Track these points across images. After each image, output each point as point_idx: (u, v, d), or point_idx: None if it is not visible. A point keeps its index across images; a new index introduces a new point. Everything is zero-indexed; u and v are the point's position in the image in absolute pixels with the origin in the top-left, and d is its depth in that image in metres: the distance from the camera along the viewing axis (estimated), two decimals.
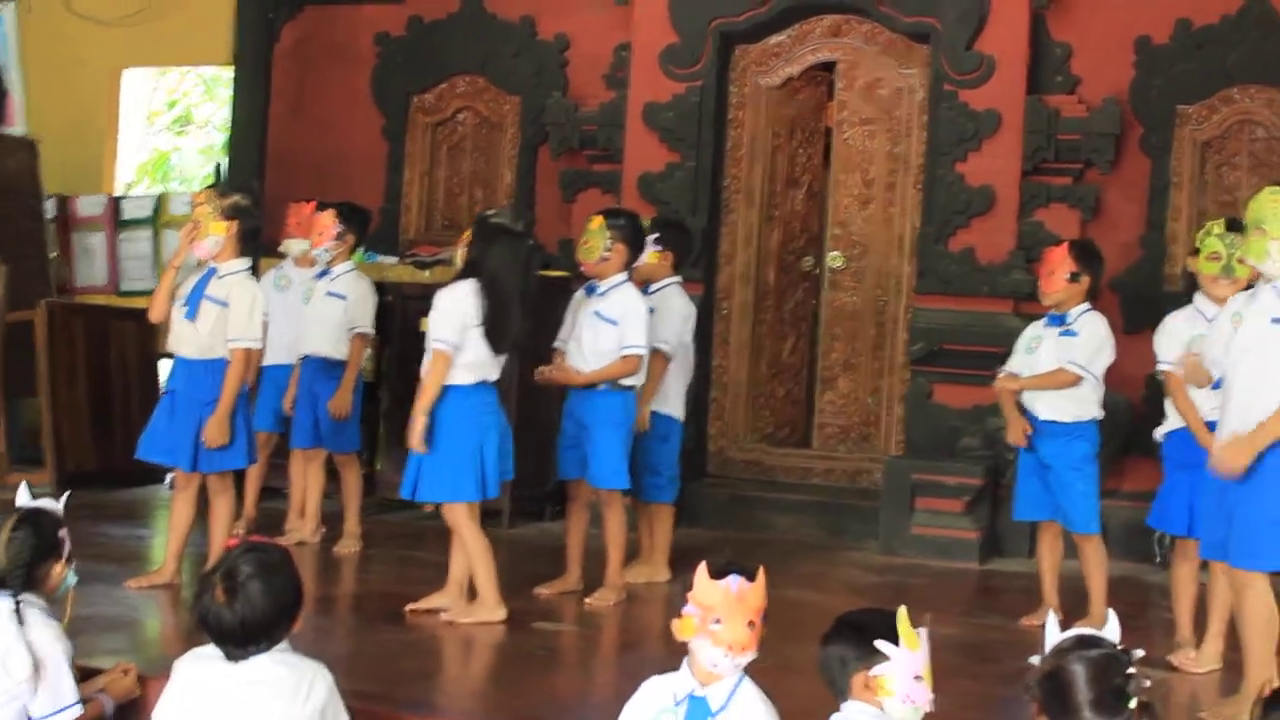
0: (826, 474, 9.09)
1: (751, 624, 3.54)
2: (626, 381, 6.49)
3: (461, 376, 5.85)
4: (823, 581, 7.27)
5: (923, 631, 3.45)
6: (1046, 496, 6.40)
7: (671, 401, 7.03)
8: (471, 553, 5.90)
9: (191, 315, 6.10)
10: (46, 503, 4.41)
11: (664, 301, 6.92)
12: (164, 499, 8.94)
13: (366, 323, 7.45)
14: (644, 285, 6.86)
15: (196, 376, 6.11)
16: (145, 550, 7.43)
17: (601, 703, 4.63)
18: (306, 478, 7.59)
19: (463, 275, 5.92)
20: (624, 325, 6.39)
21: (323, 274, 7.53)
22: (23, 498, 4.42)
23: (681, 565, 6.95)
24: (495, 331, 5.85)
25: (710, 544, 7.32)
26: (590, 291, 6.58)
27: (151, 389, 9.94)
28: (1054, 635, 3.40)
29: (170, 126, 18.54)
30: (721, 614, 3.52)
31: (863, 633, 3.49)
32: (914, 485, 8.17)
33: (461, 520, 5.89)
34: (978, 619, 6.65)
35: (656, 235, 6.98)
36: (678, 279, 7.10)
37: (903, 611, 3.44)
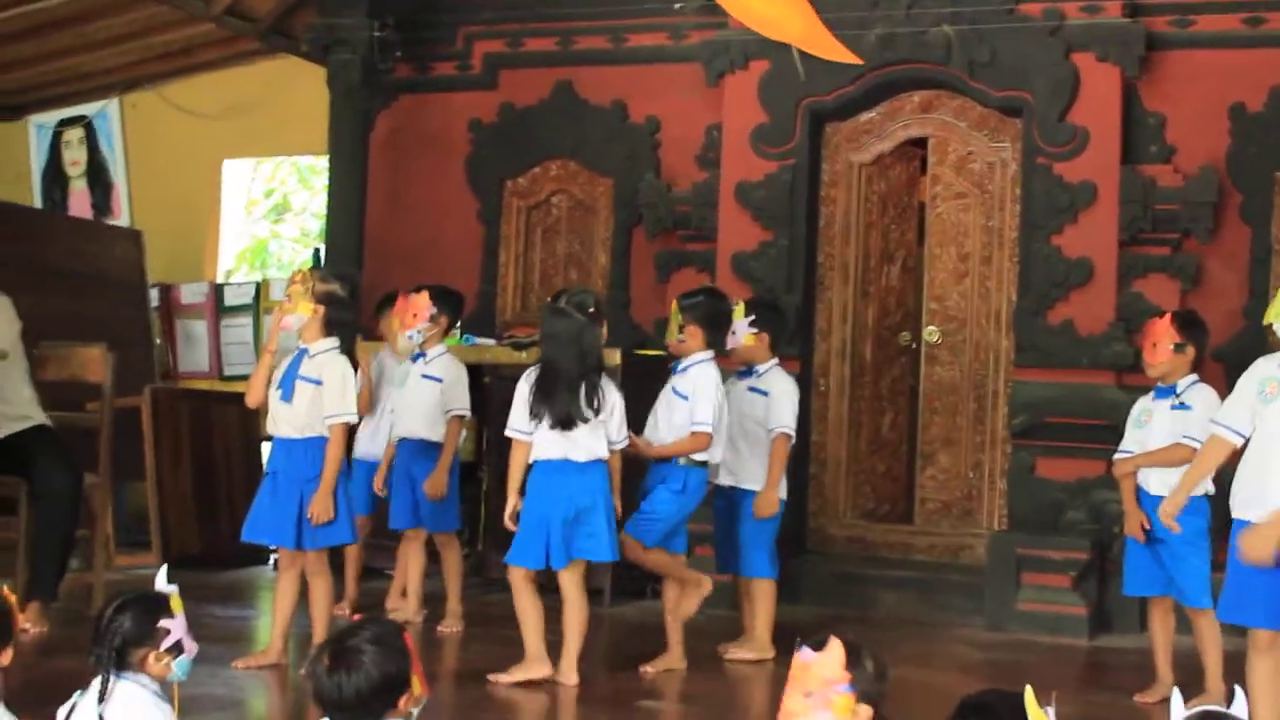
0: (929, 549, 9.01)
1: (809, 694, 3.49)
2: (698, 458, 6.62)
3: (537, 454, 6.17)
4: (930, 659, 7.18)
5: (1050, 711, 3.39)
6: (1159, 571, 6.31)
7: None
8: (520, 613, 6.20)
9: (287, 397, 6.21)
10: (163, 589, 4.44)
11: (775, 384, 7.07)
12: (267, 580, 9.05)
13: (462, 404, 7.52)
14: (747, 368, 7.06)
15: (296, 455, 6.21)
16: (250, 631, 7.49)
17: None
18: (407, 558, 7.64)
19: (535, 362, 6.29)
20: (693, 401, 6.59)
21: (418, 357, 7.61)
22: (160, 582, 4.45)
23: (783, 644, 6.93)
24: (543, 408, 6.12)
25: (811, 621, 7.24)
26: (674, 370, 6.80)
27: (254, 472, 10.05)
28: (1179, 712, 3.34)
29: (267, 215, 18.89)
30: (789, 685, 3.50)
31: (990, 716, 3.43)
32: (1019, 560, 8.08)
33: (516, 581, 6.19)
34: (1091, 696, 6.53)
35: (752, 318, 7.03)
36: (775, 360, 7.16)
37: (1029, 691, 3.39)
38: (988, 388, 9.02)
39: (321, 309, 6.23)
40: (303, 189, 18.80)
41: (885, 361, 9.49)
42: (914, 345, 9.50)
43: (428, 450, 7.48)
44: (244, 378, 9.56)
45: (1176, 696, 3.28)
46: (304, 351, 6.27)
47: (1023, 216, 8.78)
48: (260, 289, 10.18)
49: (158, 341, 10.11)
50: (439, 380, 7.50)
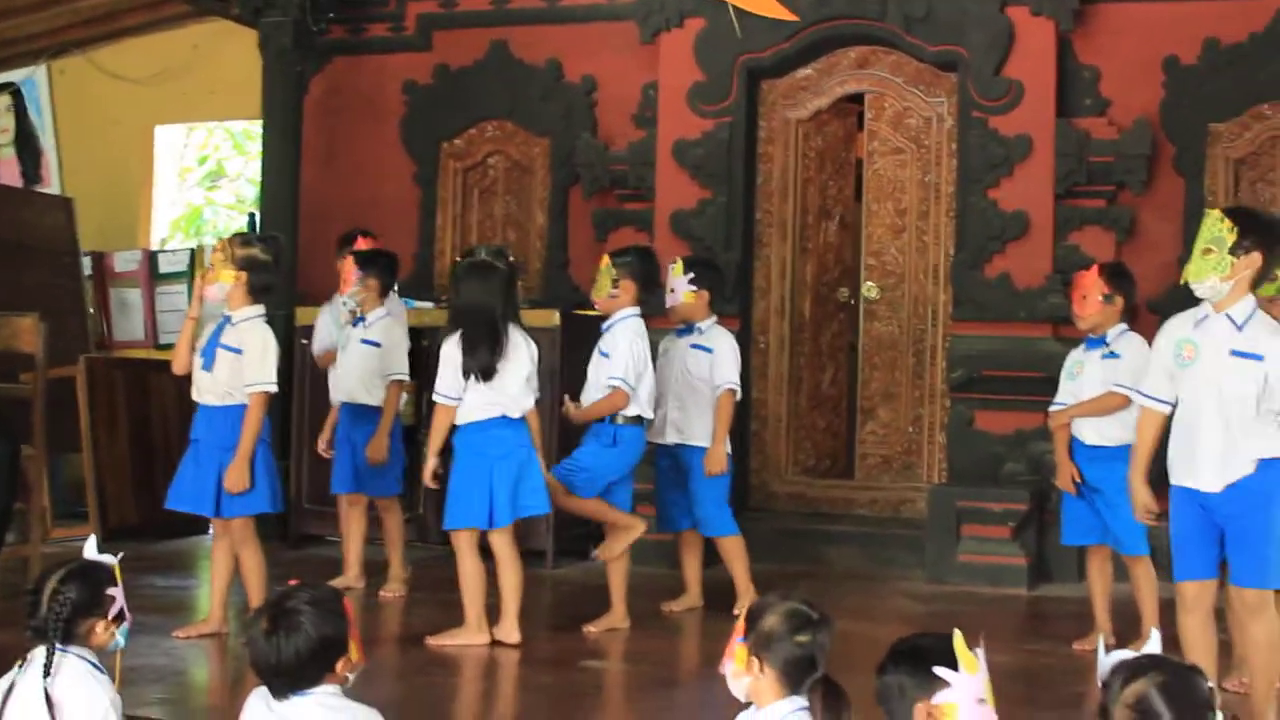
0: (870, 504, 9.05)
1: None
2: (629, 413, 6.65)
3: (471, 414, 6.17)
4: (872, 612, 7.23)
5: (980, 652, 3.42)
6: (1095, 520, 6.38)
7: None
8: (463, 577, 6.19)
9: (208, 365, 6.15)
10: (104, 558, 4.40)
11: (717, 341, 7.08)
12: (207, 549, 8.92)
13: (400, 369, 7.47)
14: (688, 326, 7.06)
15: (216, 423, 6.16)
16: (191, 600, 7.44)
17: None
18: (349, 523, 7.61)
19: (449, 324, 6.25)
20: (613, 358, 6.62)
21: (359, 321, 7.55)
22: (89, 551, 4.41)
23: (722, 599, 6.96)
24: (475, 365, 6.13)
25: (754, 577, 7.25)
26: (603, 330, 6.82)
27: None
28: (1105, 660, 3.38)
29: (202, 182, 18.70)
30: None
31: (920, 659, 3.45)
32: (959, 512, 8.14)
33: (462, 545, 6.19)
34: (1030, 645, 6.59)
35: (691, 276, 7.02)
36: (715, 318, 7.19)
37: (958, 634, 3.41)
38: (926, 342, 9.06)
39: (244, 275, 6.15)
40: (237, 154, 18.62)
41: (824, 318, 9.51)
42: (852, 301, 9.53)
43: (367, 415, 7.44)
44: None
45: (1101, 645, 3.33)
46: (227, 319, 6.20)
47: (959, 171, 8.80)
48: (195, 256, 10.07)
49: (91, 310, 9.97)
50: (377, 345, 7.45)
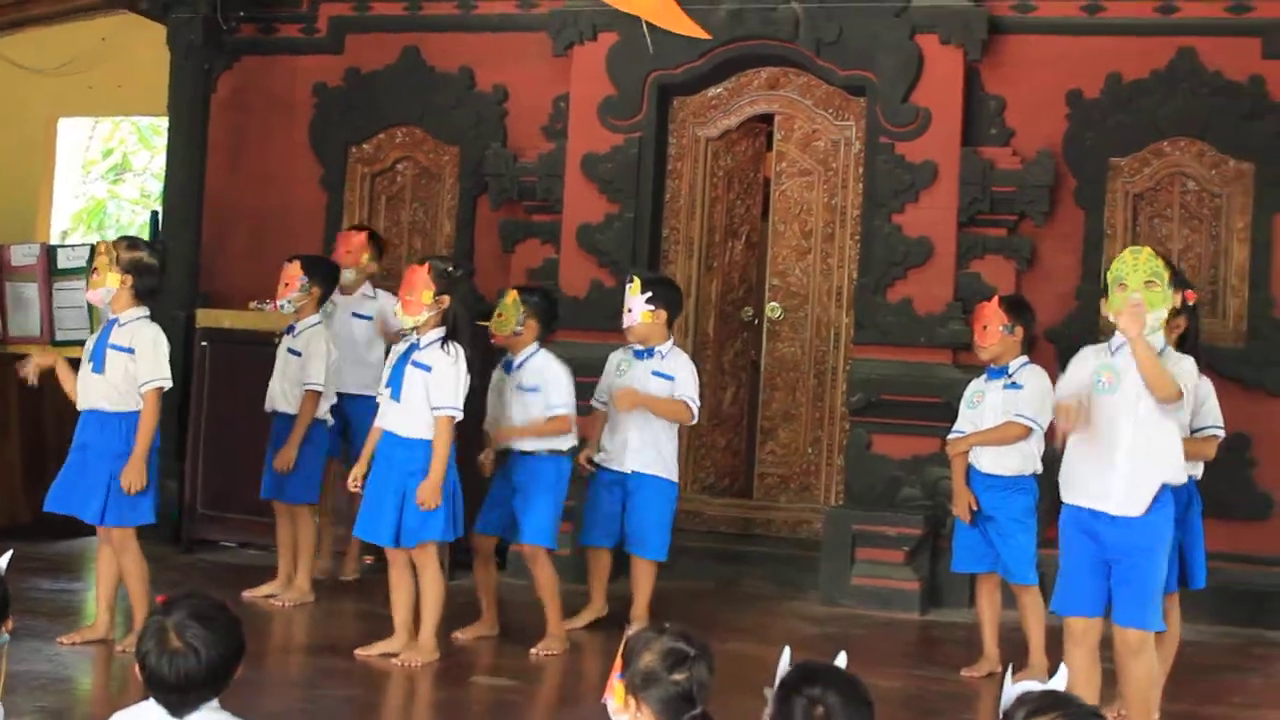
0: (767, 524, 9.09)
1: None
2: (560, 445, 6.69)
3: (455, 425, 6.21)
4: (764, 633, 7.26)
5: (841, 658, 3.45)
6: (987, 549, 6.46)
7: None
8: (433, 592, 6.15)
9: (99, 368, 6.09)
10: None
11: (679, 368, 7.06)
12: (96, 551, 8.84)
13: (317, 378, 7.43)
14: (646, 349, 7.06)
15: (109, 429, 6.09)
16: (78, 605, 7.32)
17: None
18: (278, 530, 7.59)
19: (448, 337, 6.15)
20: (546, 389, 6.66)
21: (289, 330, 7.56)
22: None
23: (619, 619, 6.96)
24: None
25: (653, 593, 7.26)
26: (508, 368, 6.82)
27: None
28: (1010, 690, 3.41)
29: (106, 175, 18.44)
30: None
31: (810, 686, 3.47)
32: (855, 535, 8.20)
33: (432, 560, 6.16)
34: (919, 670, 6.67)
35: (649, 295, 6.99)
36: (672, 340, 7.18)
37: (843, 657, 3.45)
38: (828, 364, 9.12)
39: (129, 278, 6.08)
40: (144, 149, 18.40)
41: (727, 336, 9.55)
42: (756, 321, 9.57)
43: (286, 423, 7.45)
44: (78, 343, 9.27)
45: (1008, 677, 3.37)
46: (114, 321, 6.14)
47: (865, 195, 8.88)
48: (94, 251, 9.85)
49: None
50: (299, 354, 7.45)
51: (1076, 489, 5.11)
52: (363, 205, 9.96)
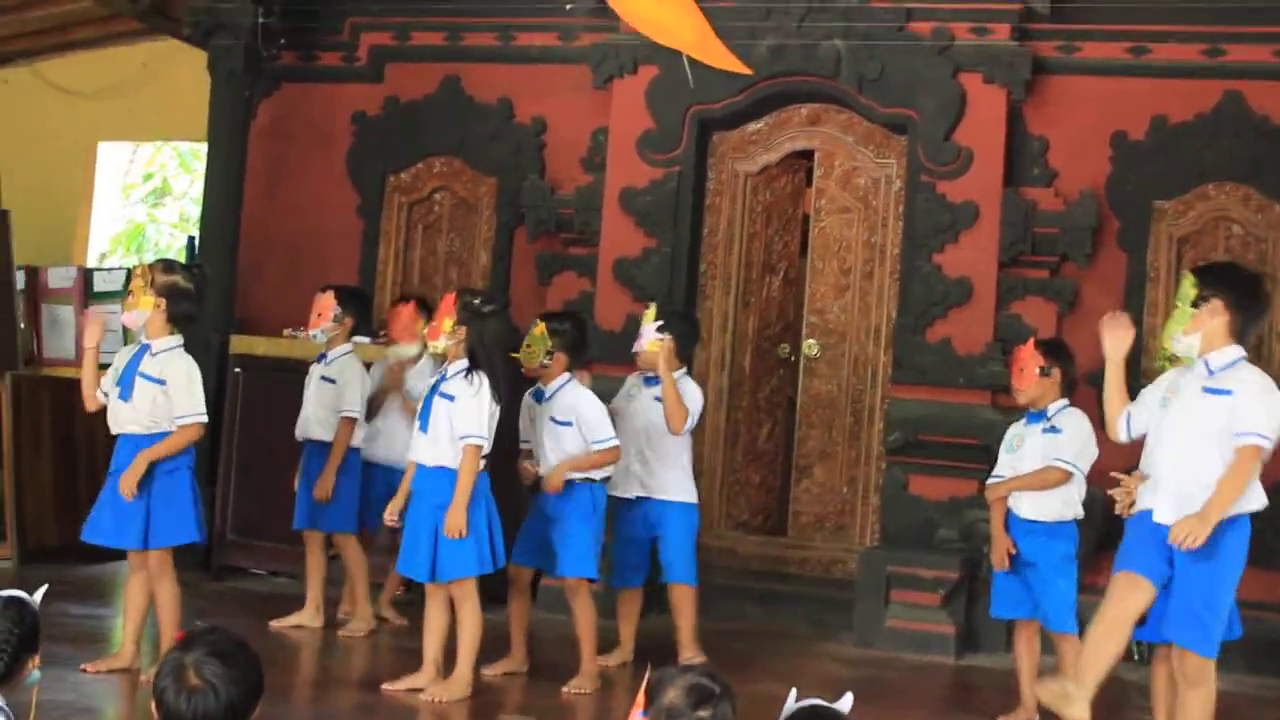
0: (801, 564, 9.00)
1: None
2: (596, 475, 6.61)
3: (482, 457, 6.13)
4: (796, 675, 7.08)
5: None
6: (1025, 594, 6.35)
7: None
8: (470, 628, 6.06)
9: (126, 395, 6.01)
10: (22, 594, 4.27)
11: (687, 394, 7.00)
12: (120, 576, 8.81)
13: (353, 406, 7.39)
14: (654, 376, 7.00)
15: (141, 451, 5.99)
16: (105, 631, 7.28)
17: None
18: (309, 560, 7.54)
19: (471, 367, 6.06)
20: (582, 425, 6.59)
21: (321, 357, 7.54)
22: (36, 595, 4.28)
23: (652, 654, 6.87)
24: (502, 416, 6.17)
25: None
26: (539, 398, 6.76)
27: None
28: None
29: (146, 199, 18.47)
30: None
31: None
32: (890, 577, 8.10)
33: (471, 594, 6.07)
34: (955, 717, 6.54)
35: (659, 324, 6.97)
36: (683, 369, 7.11)
37: (849, 698, 3.38)
38: (865, 403, 9.03)
39: (164, 302, 6.02)
40: (184, 173, 18.42)
41: (764, 373, 9.47)
42: (793, 358, 9.49)
43: (325, 451, 7.40)
44: (108, 366, 9.31)
45: None
46: (145, 347, 6.07)
47: (905, 234, 8.81)
48: (131, 275, 9.85)
49: (21, 326, 9.78)
50: (333, 381, 7.40)
51: (1143, 496, 5.11)
52: (399, 234, 9.94)
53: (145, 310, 6.02)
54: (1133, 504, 5.22)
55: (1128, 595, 4.99)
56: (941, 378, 8.50)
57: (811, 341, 9.15)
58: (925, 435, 8.44)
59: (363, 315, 7.76)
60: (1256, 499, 4.98)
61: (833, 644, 8.08)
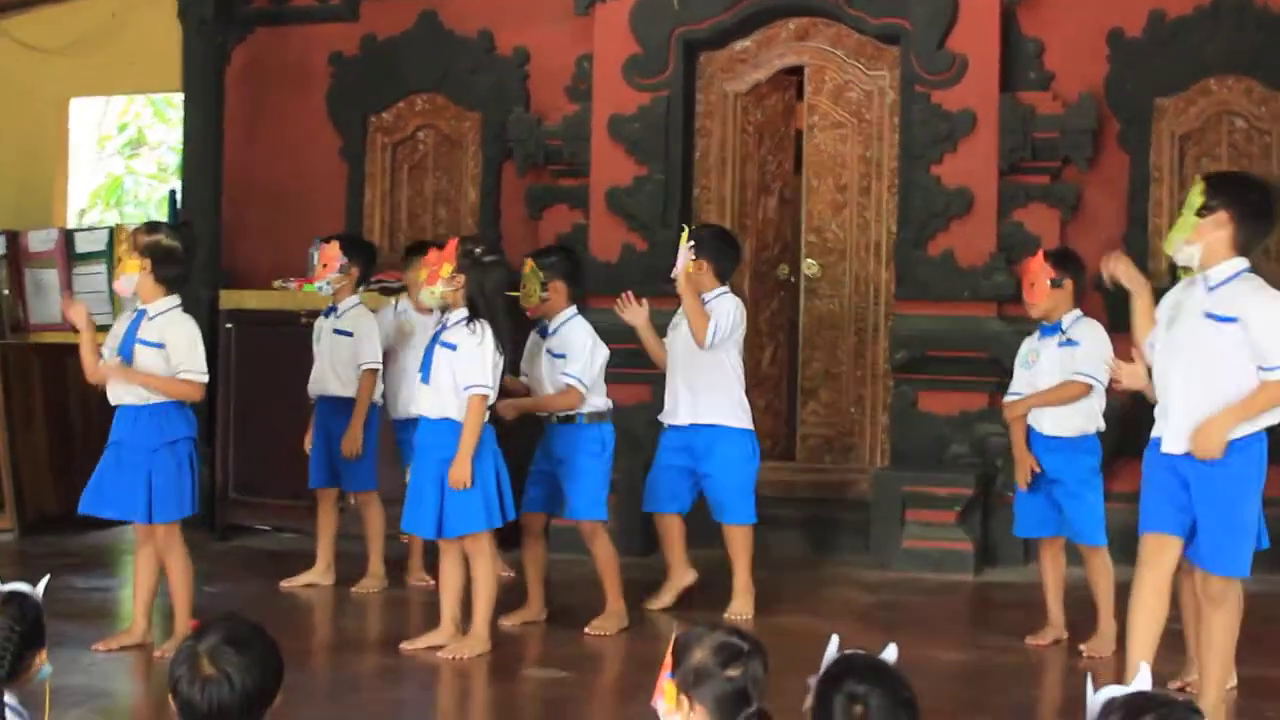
0: (812, 486, 8.85)
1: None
2: (599, 408, 6.47)
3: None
4: (818, 605, 7.07)
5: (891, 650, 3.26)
6: (1050, 512, 6.22)
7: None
8: (484, 582, 5.93)
9: (127, 362, 5.83)
10: (24, 587, 4.14)
11: (718, 309, 6.77)
12: (129, 543, 8.64)
13: (374, 357, 7.22)
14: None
15: (142, 424, 5.81)
16: (112, 604, 7.14)
17: None
18: (321, 517, 7.40)
19: (472, 316, 5.88)
20: (570, 358, 6.43)
21: (330, 311, 7.34)
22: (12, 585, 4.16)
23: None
24: (507, 364, 5.99)
25: (695, 564, 7.05)
26: (544, 333, 6.59)
27: None
28: (1095, 699, 3.20)
29: (122, 150, 18.22)
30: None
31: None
32: (904, 497, 7.99)
33: (485, 549, 5.92)
34: (982, 641, 6.44)
35: (692, 244, 6.73)
36: (723, 289, 6.86)
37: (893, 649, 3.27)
38: (868, 321, 8.89)
39: (149, 263, 5.82)
40: (159, 122, 18.15)
41: (764, 295, 9.31)
42: (792, 279, 9.33)
43: (342, 406, 7.22)
44: (102, 328, 9.11)
45: (1090, 686, 3.16)
46: (142, 313, 5.87)
47: (901, 146, 8.62)
48: (114, 234, 9.67)
49: (5, 292, 9.61)
50: (349, 334, 7.23)
51: (1158, 423, 4.94)
52: (384, 176, 9.75)
53: (133, 274, 5.83)
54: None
55: (1159, 559, 4.88)
56: (945, 291, 8.34)
57: (811, 261, 8.99)
58: (932, 351, 8.30)
59: (368, 264, 7.54)
60: (1270, 417, 4.82)
61: (849, 568, 7.99)
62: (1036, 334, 6.38)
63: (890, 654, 3.21)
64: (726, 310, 6.75)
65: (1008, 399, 6.40)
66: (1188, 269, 4.98)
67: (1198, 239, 4.80)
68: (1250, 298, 4.73)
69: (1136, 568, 4.96)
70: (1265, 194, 4.95)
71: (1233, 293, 4.75)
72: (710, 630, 3.48)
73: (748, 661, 3.41)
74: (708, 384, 6.77)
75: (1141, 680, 3.19)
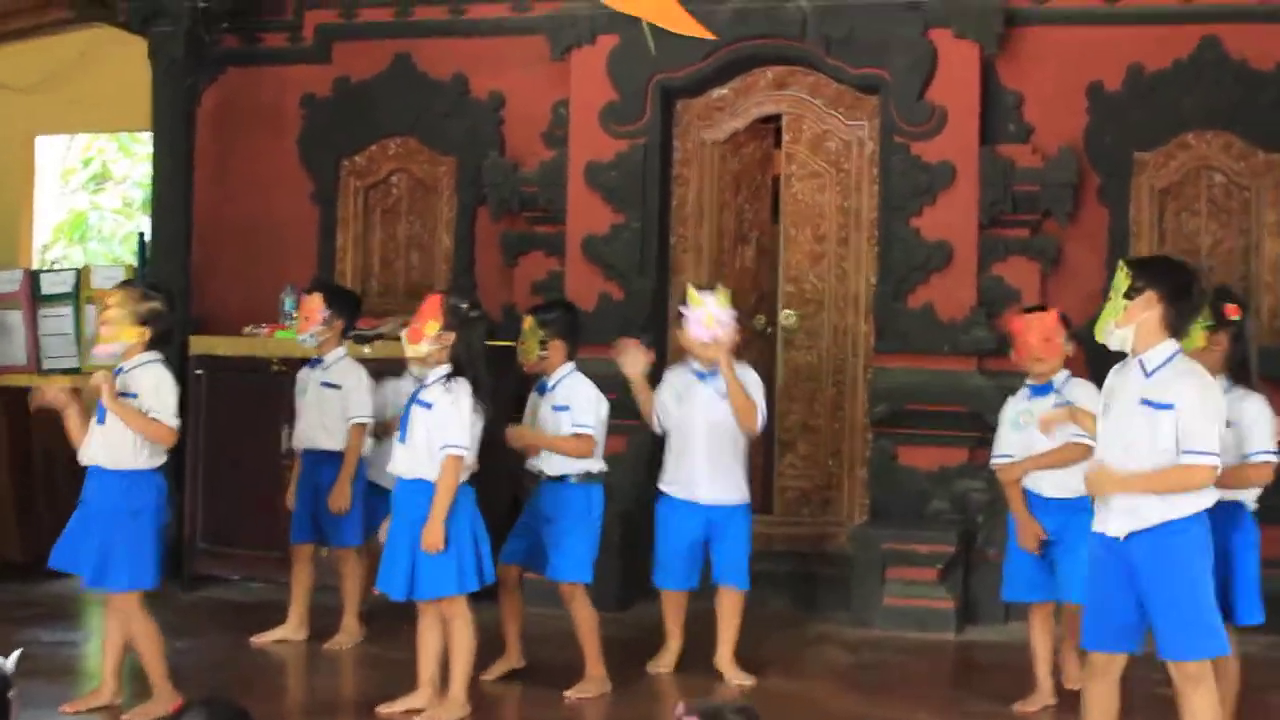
0: (790, 540, 8.76)
1: None
2: (591, 468, 6.39)
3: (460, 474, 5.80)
4: (799, 665, 6.98)
5: None
6: (1043, 575, 6.14)
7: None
8: (462, 645, 5.81)
9: (102, 419, 5.71)
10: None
11: (748, 379, 6.81)
12: (97, 595, 8.50)
13: (363, 411, 7.12)
14: (711, 370, 6.76)
15: (108, 486, 5.73)
16: (79, 659, 6.97)
17: None
18: (297, 572, 7.28)
19: (453, 374, 5.79)
20: (575, 409, 6.36)
21: (315, 363, 7.23)
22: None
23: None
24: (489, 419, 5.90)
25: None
26: (542, 390, 6.52)
27: (79, 473, 9.47)
28: None
29: (86, 185, 18.06)
30: None
31: None
32: (885, 555, 7.89)
33: (462, 612, 5.80)
34: (968, 706, 6.33)
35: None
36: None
37: None
38: (847, 373, 8.82)
39: (148, 332, 5.74)
40: (124, 157, 18.00)
41: (742, 347, 9.09)
42: (770, 330, 9.25)
43: (329, 460, 7.14)
44: (66, 371, 8.99)
45: None
46: (119, 371, 5.77)
47: (881, 197, 8.58)
48: (80, 276, 9.50)
49: None
50: (337, 387, 7.14)
51: (1097, 514, 4.90)
52: (356, 220, 9.63)
53: (129, 342, 5.73)
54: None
55: (1108, 670, 4.89)
56: (925, 345, 8.29)
57: (789, 312, 8.92)
58: (912, 404, 8.23)
59: (352, 315, 7.44)
60: (1201, 500, 4.76)
61: (830, 625, 7.89)
62: (1024, 393, 6.31)
63: None
64: (760, 388, 6.73)
65: (1000, 461, 6.32)
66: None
67: (1128, 321, 4.78)
68: (1182, 382, 4.72)
69: (1085, 677, 5.01)
70: (1188, 274, 4.98)
71: (1168, 378, 4.73)
72: (714, 710, 3.43)
73: None
74: (730, 462, 6.72)
75: None
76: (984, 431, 7.99)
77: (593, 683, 6.32)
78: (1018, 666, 6.46)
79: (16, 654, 4.05)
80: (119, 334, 5.73)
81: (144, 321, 5.73)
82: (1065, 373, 6.23)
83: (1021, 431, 6.20)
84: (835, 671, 6.96)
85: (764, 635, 7.43)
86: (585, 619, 6.38)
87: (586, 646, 6.37)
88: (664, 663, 6.76)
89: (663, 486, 6.77)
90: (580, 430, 6.31)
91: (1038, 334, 6.24)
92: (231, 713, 3.54)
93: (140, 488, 5.68)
